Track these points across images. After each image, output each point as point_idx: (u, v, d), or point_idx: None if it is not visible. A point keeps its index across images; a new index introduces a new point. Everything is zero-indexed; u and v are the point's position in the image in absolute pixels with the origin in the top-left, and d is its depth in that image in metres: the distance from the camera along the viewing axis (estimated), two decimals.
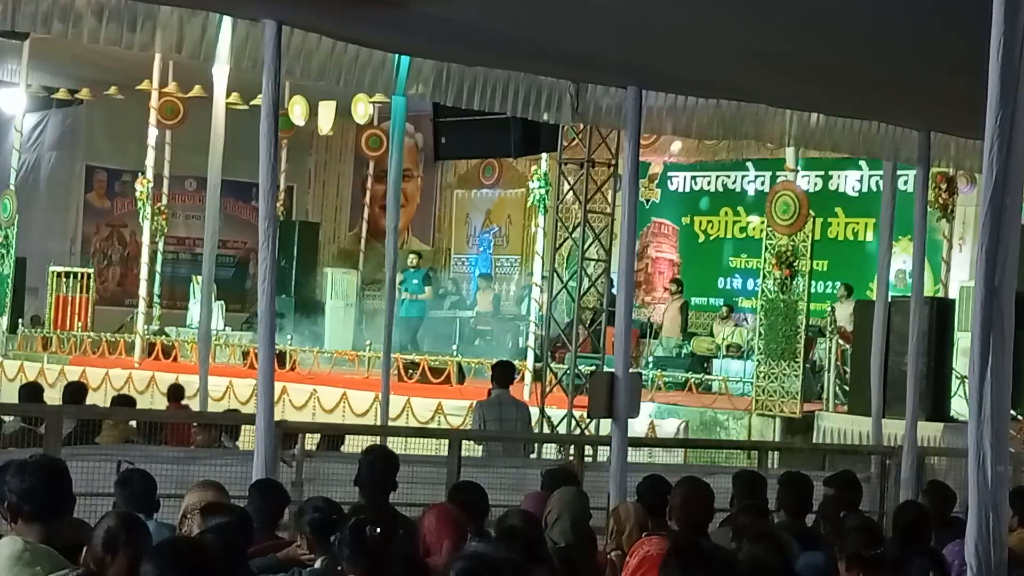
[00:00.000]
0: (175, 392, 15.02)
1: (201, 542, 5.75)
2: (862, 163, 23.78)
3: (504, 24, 9.26)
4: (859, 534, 6.70)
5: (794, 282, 18.47)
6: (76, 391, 13.06)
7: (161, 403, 21.35)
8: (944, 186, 19.98)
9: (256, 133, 9.09)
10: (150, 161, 25.18)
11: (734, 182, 26.71)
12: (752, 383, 19.06)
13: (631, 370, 11.18)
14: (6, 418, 11.50)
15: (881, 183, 15.64)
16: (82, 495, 6.57)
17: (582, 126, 16.32)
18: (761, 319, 18.92)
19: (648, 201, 27.16)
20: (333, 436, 12.36)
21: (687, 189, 27.54)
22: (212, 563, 4.82)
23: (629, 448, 10.98)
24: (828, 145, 13.32)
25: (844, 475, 9.33)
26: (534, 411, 15.61)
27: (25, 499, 5.22)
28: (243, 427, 11.82)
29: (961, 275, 20.33)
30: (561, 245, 17.91)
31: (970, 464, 4.93)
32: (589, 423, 15.77)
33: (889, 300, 14.05)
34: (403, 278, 24.13)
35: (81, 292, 27.26)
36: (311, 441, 11.57)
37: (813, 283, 19.71)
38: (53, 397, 13.63)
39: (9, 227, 26.09)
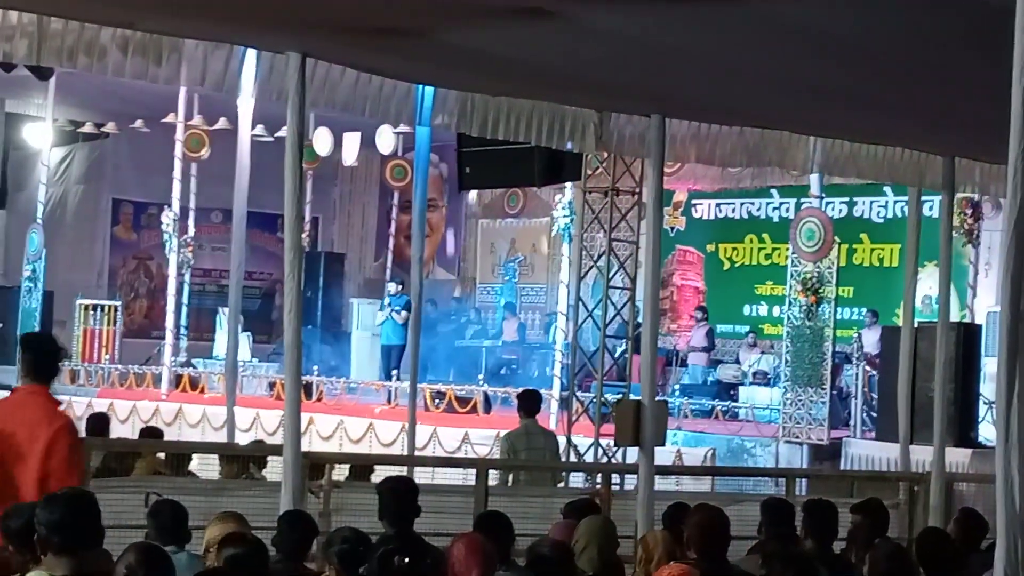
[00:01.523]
0: None
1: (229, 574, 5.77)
2: (887, 189, 23.77)
3: (528, 54, 9.29)
4: (888, 561, 6.68)
5: (820, 308, 18.44)
6: (100, 422, 13.07)
7: (190, 435, 21.46)
8: (969, 211, 19.96)
9: (281, 164, 9.13)
10: (176, 193, 25.30)
11: (759, 209, 26.70)
12: (779, 410, 19.02)
13: (657, 398, 11.17)
14: None
15: (906, 209, 15.62)
16: (112, 527, 6.58)
17: (606, 154, 16.33)
18: (787, 346, 18.89)
19: (673, 229, 27.17)
20: (362, 467, 12.35)
21: (712, 217, 27.54)
22: None
23: (656, 476, 10.97)
24: (852, 171, 13.30)
25: (871, 502, 9.30)
26: (561, 440, 15.60)
27: (54, 530, 5.25)
28: (270, 458, 11.84)
29: (988, 300, 20.27)
30: (586, 274, 17.91)
31: (998, 490, 4.90)
32: (616, 451, 15.75)
33: (915, 326, 14.01)
34: (389, 304, 24.16)
35: (108, 324, 27.36)
36: (339, 472, 11.58)
37: (839, 309, 19.67)
38: (81, 429, 13.63)
39: (37, 261, 26.18)
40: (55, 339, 8.04)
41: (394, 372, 23.17)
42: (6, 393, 7.87)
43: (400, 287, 24.30)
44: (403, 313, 23.40)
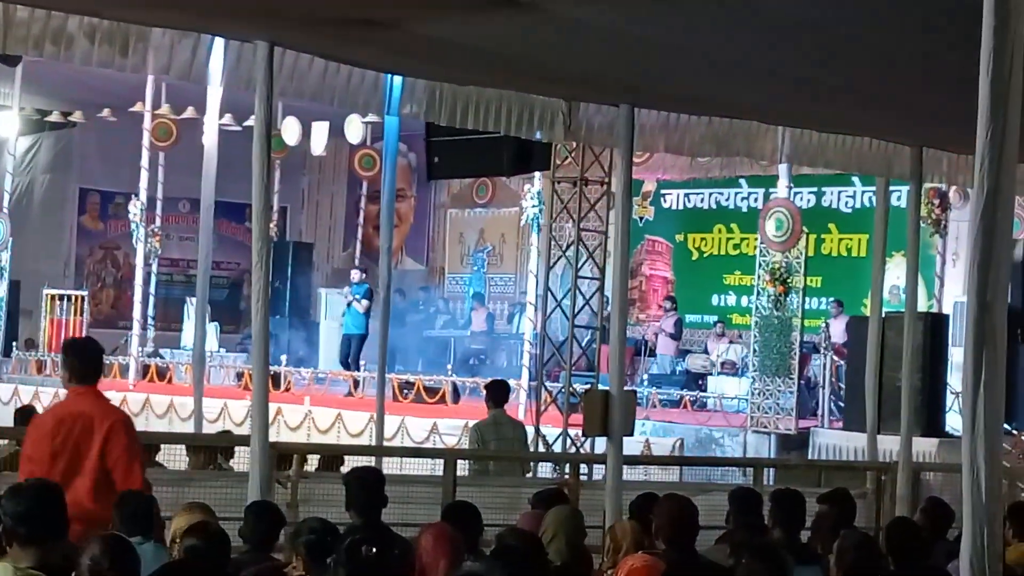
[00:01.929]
0: None
1: (187, 567, 5.75)
2: (855, 179, 23.83)
3: (496, 43, 9.27)
4: (856, 551, 6.70)
5: (788, 299, 18.48)
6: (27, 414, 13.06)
7: (157, 425, 21.39)
8: (937, 201, 20.03)
9: (249, 154, 9.10)
10: (143, 183, 25.20)
11: (727, 199, 26.75)
12: (747, 400, 19.06)
13: (625, 388, 11.18)
14: (1, 442, 11.48)
15: (874, 199, 15.68)
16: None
17: (575, 144, 16.34)
18: (755, 336, 18.92)
19: (642, 219, 27.19)
20: (333, 457, 12.33)
21: (680, 207, 27.57)
22: None
23: (624, 466, 10.98)
24: (821, 162, 13.33)
25: (837, 492, 9.33)
26: (529, 430, 15.60)
27: (20, 522, 5.24)
28: (237, 448, 11.81)
29: (955, 290, 20.35)
30: (555, 264, 17.93)
31: (964, 479, 4.92)
32: (584, 441, 15.75)
33: (883, 316, 14.05)
34: (351, 292, 24.11)
35: (75, 315, 27.22)
36: (311, 463, 11.56)
37: (807, 299, 19.73)
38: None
39: (3, 250, 26.09)
40: (95, 342, 8.29)
41: (362, 362, 23.11)
42: None
43: (363, 275, 24.26)
44: (364, 302, 23.36)
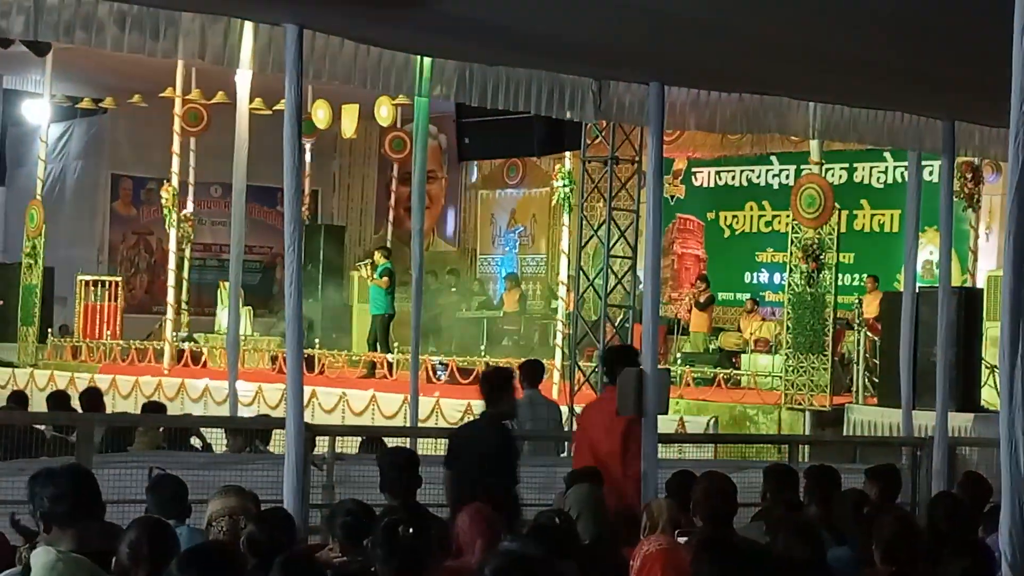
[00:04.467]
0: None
1: (228, 547, 5.77)
2: (887, 154, 23.74)
3: (525, 22, 9.26)
4: (896, 526, 6.69)
5: (821, 275, 18.43)
6: (93, 397, 13.17)
7: (192, 409, 21.47)
8: (970, 175, 19.92)
9: (280, 138, 9.10)
10: (175, 168, 25.25)
11: (758, 176, 26.67)
12: (781, 377, 19.03)
13: (659, 367, 11.16)
14: (39, 426, 11.55)
15: (906, 174, 15.60)
16: (114, 502, 6.59)
17: (605, 123, 16.31)
18: (788, 313, 18.89)
19: (673, 197, 27.14)
20: (375, 439, 12.32)
21: (712, 184, 27.51)
22: (239, 569, 4.87)
23: (659, 445, 10.97)
24: (852, 137, 13.27)
25: (884, 467, 9.34)
26: (563, 410, 15.60)
27: (56, 502, 5.24)
28: (273, 431, 11.84)
29: (988, 264, 20.27)
30: (587, 243, 17.91)
31: (1002, 453, 4.91)
32: None
33: (917, 291, 14.00)
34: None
35: (109, 300, 27.33)
36: (350, 444, 11.58)
37: (840, 276, 19.65)
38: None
39: (36, 237, 26.19)
40: (619, 349, 11.11)
41: (395, 344, 23.11)
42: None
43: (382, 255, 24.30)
44: (380, 279, 23.19)
